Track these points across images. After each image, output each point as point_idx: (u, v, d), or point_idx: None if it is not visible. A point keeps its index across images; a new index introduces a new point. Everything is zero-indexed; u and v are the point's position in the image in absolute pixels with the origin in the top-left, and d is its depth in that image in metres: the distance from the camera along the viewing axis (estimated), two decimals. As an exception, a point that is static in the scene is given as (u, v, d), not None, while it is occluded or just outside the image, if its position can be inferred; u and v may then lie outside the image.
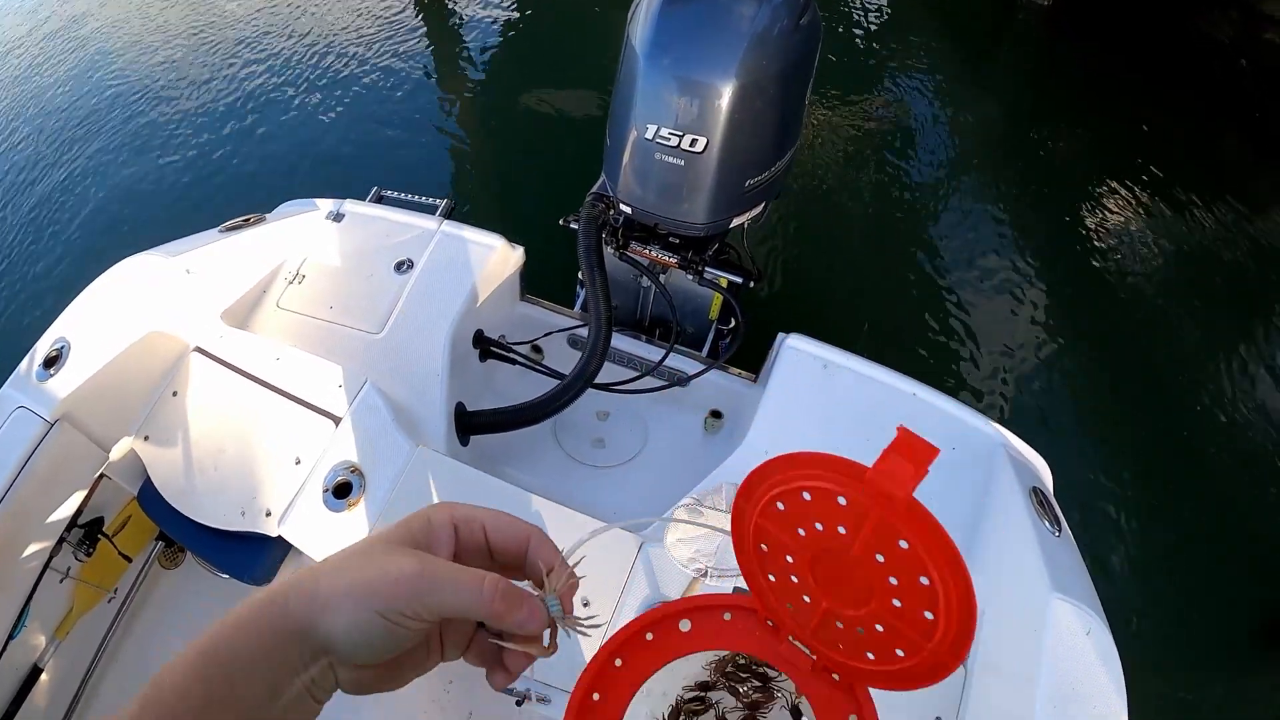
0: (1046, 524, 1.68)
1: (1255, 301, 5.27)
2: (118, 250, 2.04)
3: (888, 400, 1.92)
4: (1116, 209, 5.53)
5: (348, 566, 0.56)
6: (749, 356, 2.30)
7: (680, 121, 1.98)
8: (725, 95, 1.94)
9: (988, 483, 1.80)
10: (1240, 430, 4.56)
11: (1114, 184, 5.65)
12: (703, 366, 2.24)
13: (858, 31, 6.41)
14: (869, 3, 6.66)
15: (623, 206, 2.20)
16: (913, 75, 6.08)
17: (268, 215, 2.29)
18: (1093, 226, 5.41)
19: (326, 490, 1.73)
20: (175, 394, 1.95)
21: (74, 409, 1.84)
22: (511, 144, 5.47)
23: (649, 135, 2.01)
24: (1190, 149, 5.95)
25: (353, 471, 1.76)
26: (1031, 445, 1.97)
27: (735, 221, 2.21)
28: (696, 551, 1.59)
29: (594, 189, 2.34)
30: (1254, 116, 6.16)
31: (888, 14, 6.65)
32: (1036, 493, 1.76)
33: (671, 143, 2.00)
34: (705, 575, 1.50)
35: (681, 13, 2.00)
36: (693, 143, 1.99)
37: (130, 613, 2.25)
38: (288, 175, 5.30)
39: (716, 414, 2.33)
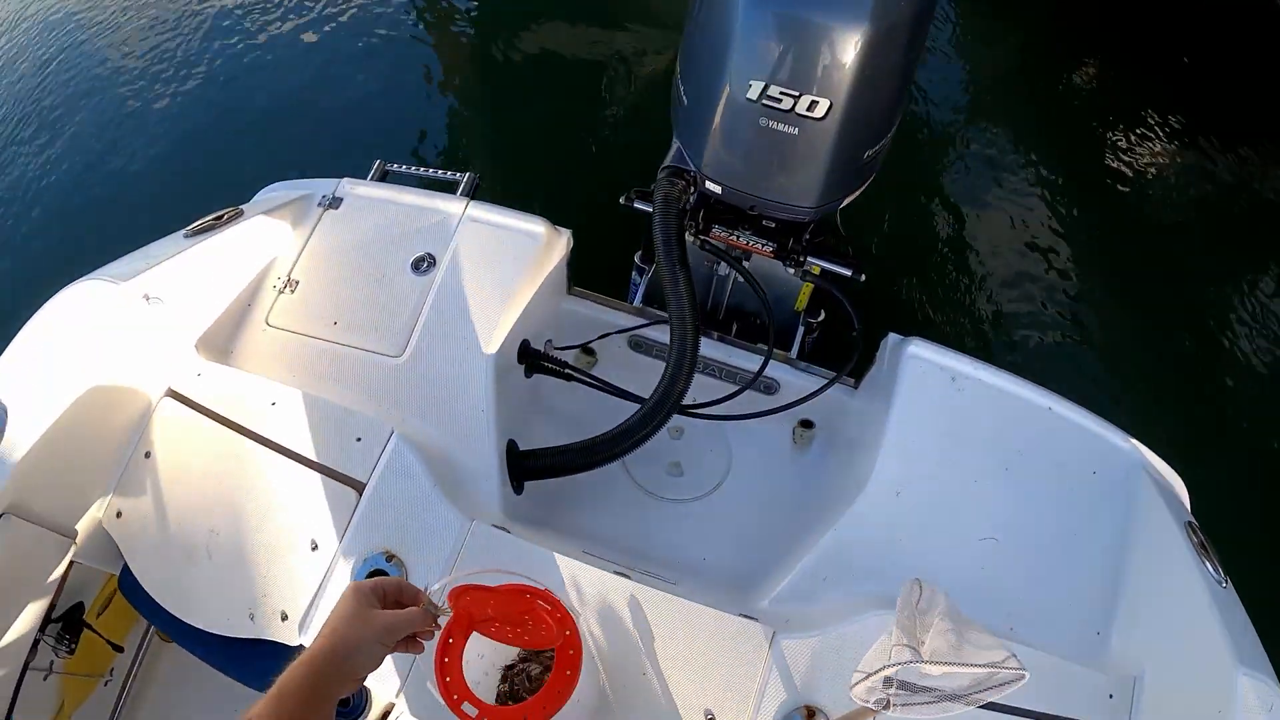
0: (1212, 571, 1.46)
1: None
2: (62, 270, 1.55)
3: (1021, 417, 1.65)
4: (1140, 150, 5.24)
5: (357, 625, 0.98)
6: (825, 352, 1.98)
7: (796, 79, 1.50)
8: (856, 43, 1.46)
9: (1131, 511, 1.61)
10: None
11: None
12: (804, 376, 1.89)
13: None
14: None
15: (710, 185, 1.73)
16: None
17: (245, 206, 1.79)
18: (1120, 163, 5.10)
19: None
20: (148, 455, 1.52)
21: (19, 498, 1.40)
22: (538, 97, 4.33)
23: (751, 95, 1.53)
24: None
25: (389, 559, 1.38)
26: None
27: (848, 200, 1.78)
28: (877, 681, 1.20)
29: (668, 160, 1.84)
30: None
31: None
32: (1193, 529, 1.54)
33: (784, 105, 1.52)
34: (887, 707, 1.13)
35: None
36: (811, 106, 1.51)
37: (134, 694, 1.88)
38: (267, 152, 4.11)
39: (807, 423, 1.97)
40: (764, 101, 1.53)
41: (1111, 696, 1.40)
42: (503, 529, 1.44)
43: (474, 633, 1.17)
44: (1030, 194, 4.70)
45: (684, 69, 1.74)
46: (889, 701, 1.08)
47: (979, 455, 1.60)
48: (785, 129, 1.55)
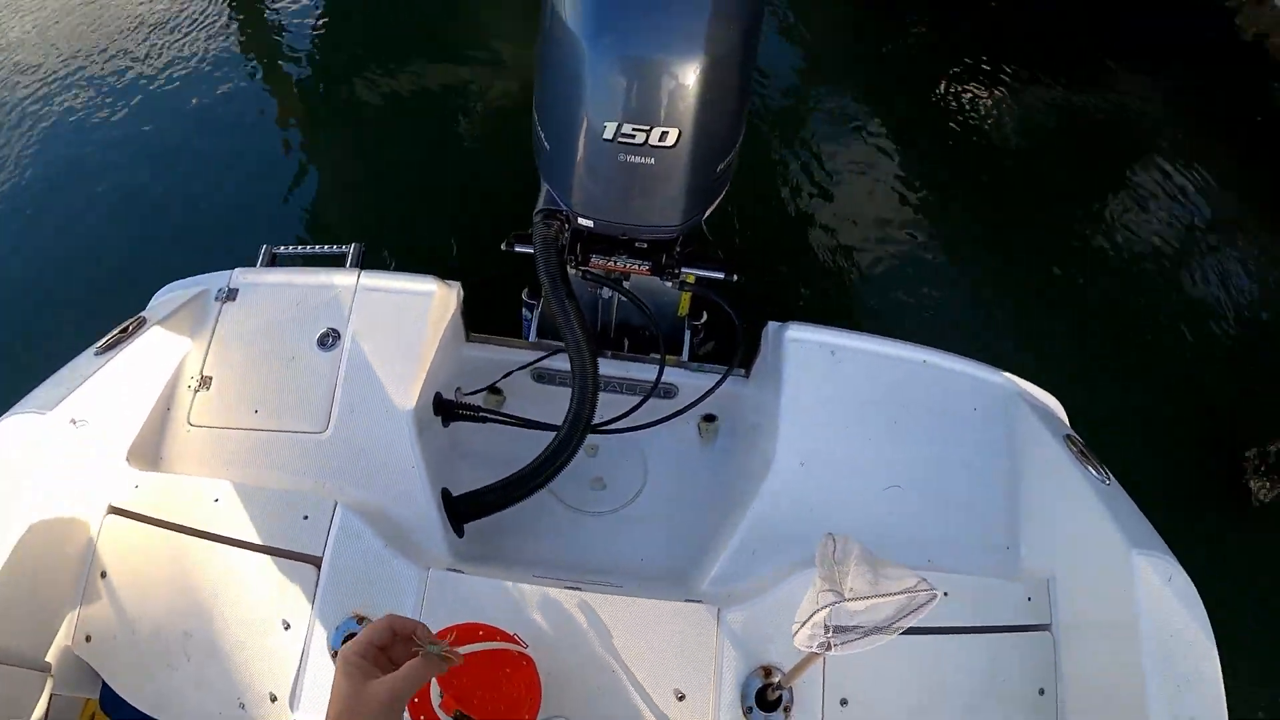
0: (1094, 471, 1.65)
1: None
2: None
3: (899, 374, 1.82)
4: (983, 95, 5.61)
5: (359, 709, 0.91)
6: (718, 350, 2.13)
7: (645, 114, 1.64)
8: (695, 73, 1.61)
9: (1014, 435, 1.79)
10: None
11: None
12: (698, 376, 2.04)
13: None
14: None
15: (582, 221, 1.86)
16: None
17: (145, 313, 1.83)
18: (965, 109, 5.45)
19: (336, 653, 1.42)
20: (104, 575, 1.55)
21: None
22: (406, 152, 4.37)
23: (608, 135, 1.66)
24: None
25: (360, 621, 1.47)
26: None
27: (709, 211, 1.93)
28: (814, 628, 1.35)
29: (540, 204, 1.98)
30: None
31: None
32: (1071, 440, 1.73)
33: (638, 140, 1.66)
34: (829, 649, 1.28)
35: None
36: (662, 136, 1.65)
37: None
38: (150, 254, 3.92)
39: (710, 418, 2.12)
40: (619, 139, 1.66)
41: (1030, 600, 1.58)
42: (457, 570, 1.54)
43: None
44: (879, 161, 4.98)
45: (541, 117, 1.85)
46: (829, 644, 1.24)
47: (868, 415, 1.76)
48: (642, 161, 1.69)
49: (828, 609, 1.17)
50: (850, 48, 5.76)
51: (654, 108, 1.64)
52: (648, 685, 1.43)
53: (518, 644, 1.36)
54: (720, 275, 2.06)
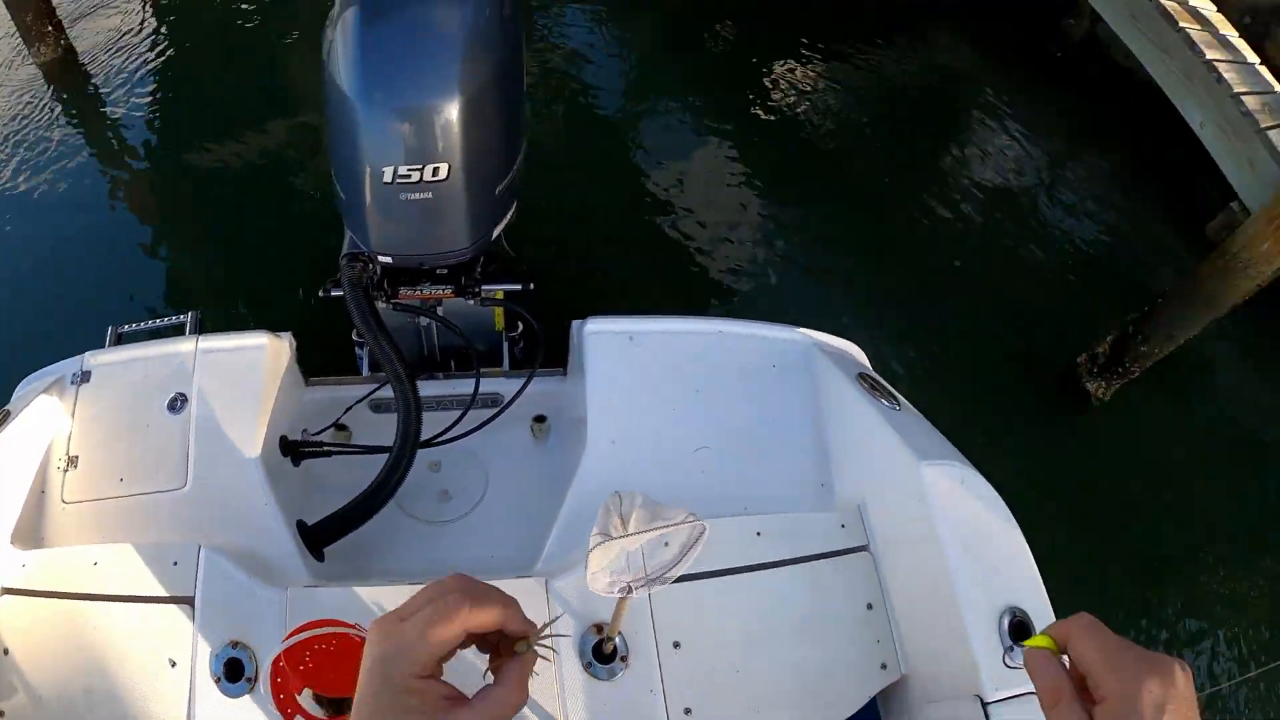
0: (885, 402, 1.84)
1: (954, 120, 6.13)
2: None
3: (698, 348, 1.99)
4: (792, 80, 5.95)
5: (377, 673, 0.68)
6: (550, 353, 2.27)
7: (416, 155, 1.85)
8: (454, 112, 1.83)
9: (815, 383, 1.97)
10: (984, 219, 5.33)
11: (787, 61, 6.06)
12: (520, 381, 2.18)
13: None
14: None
15: (382, 259, 2.06)
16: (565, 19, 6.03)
17: (9, 406, 1.96)
18: (777, 98, 5.77)
19: (219, 680, 1.54)
20: (7, 652, 1.67)
21: None
22: (231, 219, 4.60)
23: (388, 179, 1.87)
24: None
25: (235, 646, 1.57)
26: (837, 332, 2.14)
27: (497, 231, 2.13)
28: (614, 575, 1.54)
29: (345, 250, 2.16)
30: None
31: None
32: (864, 378, 1.92)
33: (413, 179, 1.86)
34: (631, 591, 1.47)
35: (382, 36, 1.84)
36: (435, 171, 1.86)
37: None
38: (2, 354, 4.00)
39: (540, 418, 2.29)
40: (398, 181, 1.87)
41: (844, 526, 1.73)
42: (313, 586, 1.67)
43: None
44: (708, 154, 5.29)
45: (335, 170, 2.04)
46: (628, 587, 1.41)
47: (671, 389, 1.92)
48: (422, 196, 1.89)
49: (609, 554, 1.34)
50: (671, 51, 6.07)
51: (422, 148, 1.85)
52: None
53: (357, 629, 1.50)
54: (518, 287, 2.27)
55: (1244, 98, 3.75)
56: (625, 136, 5.24)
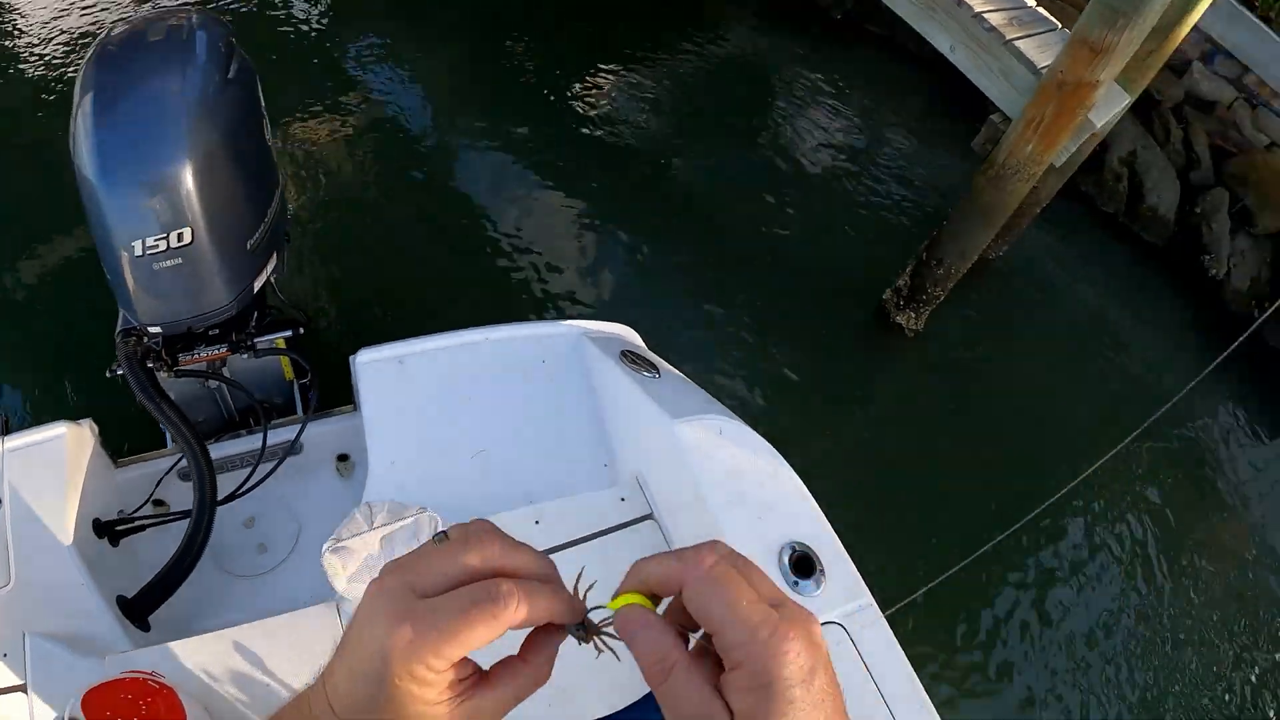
0: (644, 374, 1.96)
1: (739, 112, 6.38)
2: None
3: (468, 359, 2.06)
4: (596, 89, 6.16)
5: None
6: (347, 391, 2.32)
7: (159, 224, 1.94)
8: (188, 178, 1.92)
9: (585, 370, 2.06)
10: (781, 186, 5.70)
11: (587, 76, 6.29)
12: (318, 424, 2.25)
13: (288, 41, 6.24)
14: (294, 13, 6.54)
15: (152, 330, 2.12)
16: (357, 61, 6.09)
17: None
18: (583, 109, 5.97)
19: None
20: None
21: None
22: (16, 317, 4.35)
23: (139, 252, 1.95)
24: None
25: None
26: (614, 318, 2.23)
27: (258, 284, 2.21)
28: (349, 578, 1.61)
29: (119, 327, 2.21)
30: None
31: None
32: (625, 354, 2.03)
33: (161, 248, 1.95)
34: None
35: (114, 119, 1.92)
36: (180, 237, 1.95)
37: None
38: None
39: (343, 457, 2.36)
40: (149, 253, 1.95)
41: (624, 500, 1.82)
42: (132, 651, 1.71)
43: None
44: (487, 172, 5.42)
45: (99, 252, 2.09)
46: None
47: (444, 402, 1.99)
48: (172, 263, 1.98)
49: (349, 560, 1.43)
50: (469, 78, 6.19)
51: (164, 217, 1.94)
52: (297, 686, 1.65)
53: (153, 675, 1.55)
54: (290, 333, 2.36)
55: (986, 15, 4.01)
56: (419, 165, 5.37)
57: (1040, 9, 4.56)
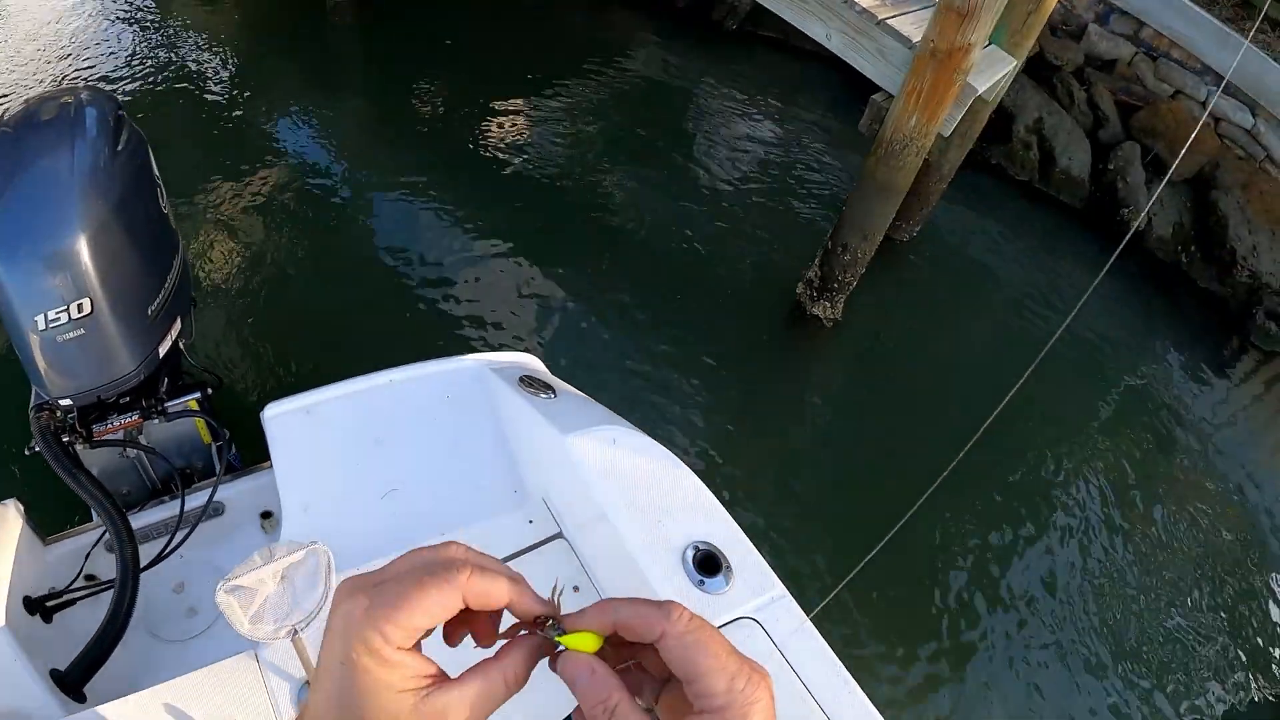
0: (540, 396, 2.00)
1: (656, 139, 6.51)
2: None
3: (374, 402, 2.08)
4: (500, 126, 6.28)
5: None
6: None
7: (58, 297, 1.96)
8: (83, 250, 1.95)
9: (490, 400, 2.09)
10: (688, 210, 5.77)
11: (499, 110, 6.41)
12: (239, 483, 2.29)
13: (191, 107, 6.24)
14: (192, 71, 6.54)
15: (63, 402, 2.13)
16: (260, 124, 6.12)
17: None
18: (488, 148, 6.09)
19: None
20: None
21: None
22: None
23: (42, 326, 1.97)
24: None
25: None
26: (517, 348, 2.26)
27: (164, 348, 2.23)
28: (277, 621, 1.60)
29: (31, 404, 2.23)
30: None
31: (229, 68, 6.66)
32: (524, 380, 2.07)
33: (62, 320, 1.97)
34: (298, 632, 1.51)
35: (9, 199, 1.95)
36: (79, 308, 1.97)
37: None
38: None
39: (267, 514, 2.38)
40: (51, 326, 1.96)
41: (531, 521, 1.86)
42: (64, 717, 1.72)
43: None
44: (401, 219, 5.48)
45: (4, 326, 2.09)
46: (293, 629, 1.47)
47: (353, 447, 2.00)
48: (75, 334, 1.99)
49: (249, 602, 1.44)
50: (370, 133, 6.32)
51: (62, 289, 1.95)
52: None
53: None
54: (199, 395, 2.38)
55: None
56: (325, 219, 5.39)
57: None
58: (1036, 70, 7.23)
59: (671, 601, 0.57)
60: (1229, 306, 6.63)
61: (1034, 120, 7.05)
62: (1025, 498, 4.56)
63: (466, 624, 0.59)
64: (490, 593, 0.56)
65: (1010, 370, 4.18)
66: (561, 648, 0.58)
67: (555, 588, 0.63)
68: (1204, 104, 6.79)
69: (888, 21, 4.03)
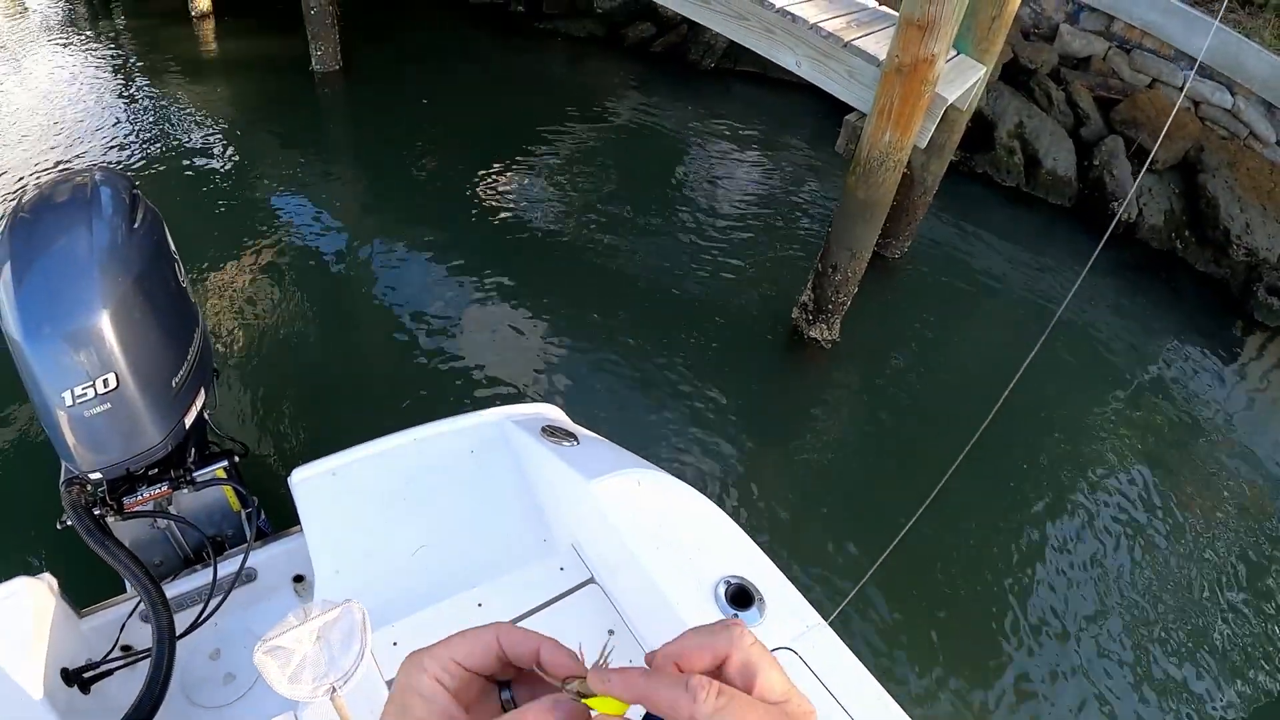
0: (564, 444, 2.04)
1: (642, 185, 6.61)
2: None
3: (400, 460, 2.12)
4: (497, 183, 6.44)
5: None
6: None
7: (84, 373, 2.01)
8: (105, 326, 2.00)
9: (513, 452, 2.12)
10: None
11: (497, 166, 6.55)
12: (268, 549, 2.33)
13: (209, 170, 6.40)
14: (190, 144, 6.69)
15: (92, 476, 2.18)
16: (266, 198, 6.25)
17: None
18: (488, 204, 6.24)
19: None
20: None
21: None
22: None
23: (69, 403, 2.02)
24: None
25: None
26: (533, 397, 2.30)
27: (190, 418, 2.28)
28: (314, 680, 1.63)
29: (62, 476, 2.28)
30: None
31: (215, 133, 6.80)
32: (546, 430, 2.11)
33: (89, 396, 2.02)
34: (336, 690, 1.51)
35: (32, 281, 2.01)
36: (105, 383, 2.02)
37: None
38: None
39: (299, 578, 2.41)
40: (79, 402, 2.02)
41: (563, 569, 1.86)
42: None
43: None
44: (406, 278, 5.57)
45: (33, 405, 2.14)
46: (331, 687, 1.48)
47: (379, 506, 2.03)
48: (103, 409, 2.04)
49: (285, 663, 1.47)
50: (375, 198, 6.46)
51: (88, 366, 2.01)
52: None
53: None
54: (226, 463, 2.43)
55: (822, 24, 4.19)
56: (337, 285, 5.49)
57: (881, 7, 4.76)
58: (1013, 76, 7.35)
59: (695, 677, 0.53)
60: (1229, 287, 6.68)
61: (1015, 125, 7.15)
62: (1045, 495, 4.56)
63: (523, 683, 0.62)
64: (524, 642, 0.59)
65: (1011, 371, 4.21)
66: (592, 711, 0.56)
67: (605, 647, 0.63)
68: (1181, 89, 6.88)
69: (854, 43, 4.11)
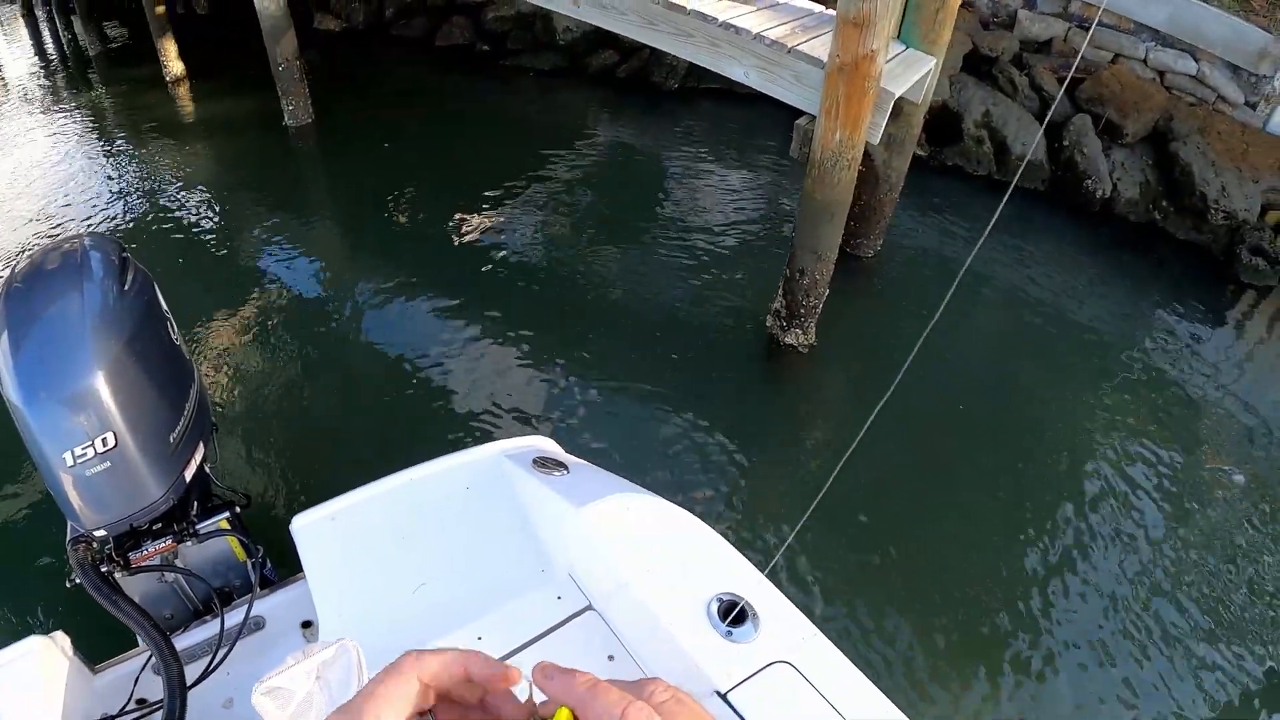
0: (555, 474, 2.08)
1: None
2: None
3: (397, 501, 2.14)
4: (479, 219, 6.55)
5: None
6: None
7: (83, 434, 2.07)
8: (101, 387, 2.06)
9: (509, 486, 2.14)
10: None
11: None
12: (276, 596, 2.37)
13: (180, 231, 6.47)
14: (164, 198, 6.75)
15: (98, 534, 2.23)
16: (253, 253, 6.34)
17: None
18: (469, 243, 6.36)
19: None
20: None
21: None
22: None
23: (71, 464, 2.08)
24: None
25: None
26: (526, 430, 2.34)
27: (189, 472, 2.33)
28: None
29: (68, 538, 2.33)
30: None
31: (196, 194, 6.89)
32: (538, 461, 2.15)
33: (89, 455, 2.08)
34: None
35: (28, 347, 2.07)
36: (104, 442, 2.08)
37: None
38: None
39: (307, 624, 2.42)
40: (80, 462, 2.07)
41: (560, 598, 1.86)
42: None
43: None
44: (393, 323, 5.67)
45: (36, 467, 2.21)
46: None
47: (378, 548, 2.04)
48: (103, 467, 2.10)
49: (286, 703, 1.49)
50: (359, 247, 6.60)
51: (86, 426, 2.07)
52: None
53: None
54: (228, 514, 2.48)
55: (765, 33, 4.28)
56: (329, 332, 5.57)
57: (826, 10, 4.78)
58: (975, 66, 7.44)
59: (645, 693, 0.55)
60: (1212, 252, 6.73)
61: (981, 114, 7.23)
62: (1051, 481, 4.58)
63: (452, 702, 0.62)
64: (445, 664, 0.60)
65: (994, 358, 4.26)
66: None
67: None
68: (1145, 61, 6.96)
69: (798, 48, 4.19)
